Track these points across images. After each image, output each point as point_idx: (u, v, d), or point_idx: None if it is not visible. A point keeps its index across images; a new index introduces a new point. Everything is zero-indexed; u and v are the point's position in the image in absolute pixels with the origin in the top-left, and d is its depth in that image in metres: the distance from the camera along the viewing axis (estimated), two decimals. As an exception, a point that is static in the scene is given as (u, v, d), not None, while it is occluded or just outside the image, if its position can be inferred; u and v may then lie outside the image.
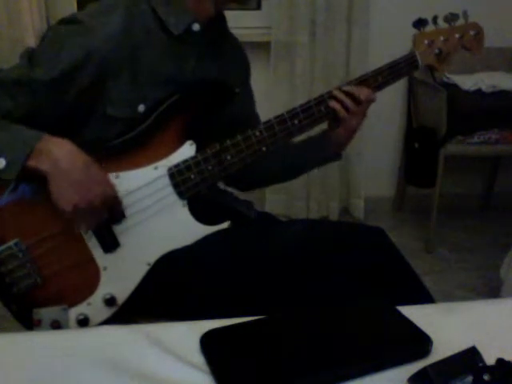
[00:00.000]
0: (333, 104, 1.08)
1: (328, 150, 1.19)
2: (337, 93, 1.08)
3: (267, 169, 1.23)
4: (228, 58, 1.17)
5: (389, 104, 2.60)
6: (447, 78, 2.43)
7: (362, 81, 1.11)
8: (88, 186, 0.92)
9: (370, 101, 1.10)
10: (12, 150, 0.91)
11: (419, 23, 1.14)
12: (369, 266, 1.01)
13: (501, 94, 2.34)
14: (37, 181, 0.94)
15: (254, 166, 1.08)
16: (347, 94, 1.08)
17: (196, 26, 1.04)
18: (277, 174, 1.29)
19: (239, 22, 1.26)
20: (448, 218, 2.66)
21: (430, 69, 1.20)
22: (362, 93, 1.08)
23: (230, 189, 1.23)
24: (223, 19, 1.12)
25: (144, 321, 1.01)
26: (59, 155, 0.91)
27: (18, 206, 0.97)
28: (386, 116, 2.60)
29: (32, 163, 0.90)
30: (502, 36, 2.42)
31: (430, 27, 1.15)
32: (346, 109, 1.08)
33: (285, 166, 1.25)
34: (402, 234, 2.54)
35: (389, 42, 2.48)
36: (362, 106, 1.09)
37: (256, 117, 1.28)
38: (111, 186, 0.96)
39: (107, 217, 0.97)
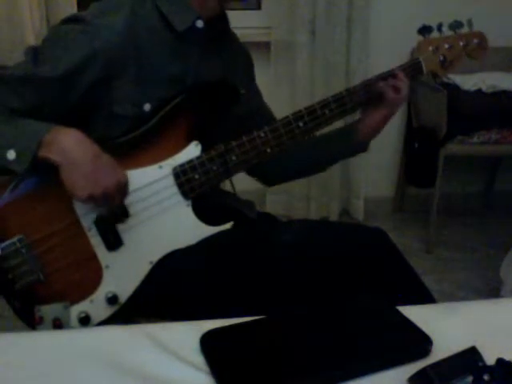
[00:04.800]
0: (380, 86, 1.11)
1: (355, 142, 1.19)
2: (380, 79, 1.11)
3: (294, 162, 1.24)
4: (231, 57, 1.17)
5: (389, 104, 2.59)
6: (447, 78, 2.43)
7: (366, 85, 1.11)
8: (100, 173, 0.92)
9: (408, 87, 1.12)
10: (22, 141, 0.91)
11: (424, 30, 1.14)
12: (369, 267, 1.01)
13: (501, 94, 2.34)
14: (43, 175, 0.95)
15: (280, 159, 1.09)
16: (390, 83, 1.11)
17: (200, 23, 1.04)
18: (304, 166, 1.29)
19: (239, 22, 1.26)
20: (448, 218, 2.66)
21: (433, 74, 1.21)
22: (402, 81, 1.11)
23: (231, 189, 1.23)
24: (225, 18, 1.13)
25: (144, 320, 1.01)
26: (70, 145, 0.91)
27: (23, 202, 0.97)
28: (386, 116, 2.59)
29: (43, 154, 0.90)
30: (502, 36, 2.41)
31: (434, 34, 1.15)
32: (393, 91, 1.10)
33: (312, 159, 1.26)
34: (402, 235, 2.54)
35: (389, 42, 2.49)
36: (401, 94, 1.11)
37: (268, 112, 1.28)
38: (123, 173, 0.96)
39: (119, 204, 0.97)
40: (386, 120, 1.15)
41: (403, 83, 1.11)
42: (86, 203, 0.94)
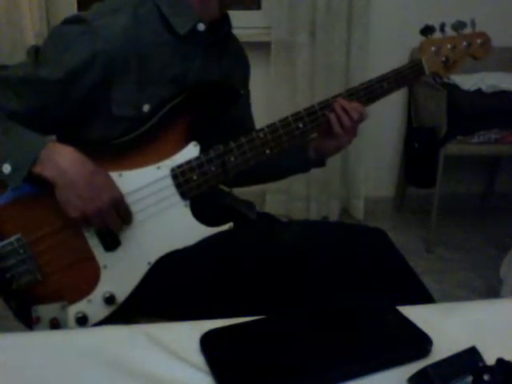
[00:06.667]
0: (330, 116, 1.08)
1: (310, 159, 1.20)
2: (337, 107, 1.08)
3: (251, 168, 1.23)
4: (231, 59, 1.17)
5: (389, 104, 2.58)
6: (447, 78, 2.43)
7: (367, 87, 1.10)
8: (94, 193, 0.93)
9: (363, 119, 1.10)
10: (17, 155, 0.92)
11: (426, 30, 1.14)
12: (369, 267, 1.01)
13: (501, 94, 2.34)
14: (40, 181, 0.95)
15: None
16: (344, 109, 1.08)
17: (201, 26, 1.04)
18: (260, 174, 1.28)
19: (239, 22, 1.25)
20: (448, 217, 2.66)
21: (434, 75, 1.20)
22: (356, 111, 1.08)
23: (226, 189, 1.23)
24: (227, 20, 1.12)
25: (144, 320, 1.01)
26: (64, 165, 0.92)
27: (21, 202, 0.98)
28: (386, 116, 2.60)
29: (37, 170, 0.92)
30: (503, 36, 2.41)
31: (436, 34, 1.14)
32: (342, 124, 1.08)
33: (268, 168, 1.24)
34: (402, 235, 2.54)
35: (389, 42, 2.49)
36: (355, 124, 1.09)
37: (251, 120, 1.28)
38: (117, 190, 0.97)
39: (116, 218, 0.98)
40: (335, 148, 1.14)
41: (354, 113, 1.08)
42: (81, 223, 0.96)
